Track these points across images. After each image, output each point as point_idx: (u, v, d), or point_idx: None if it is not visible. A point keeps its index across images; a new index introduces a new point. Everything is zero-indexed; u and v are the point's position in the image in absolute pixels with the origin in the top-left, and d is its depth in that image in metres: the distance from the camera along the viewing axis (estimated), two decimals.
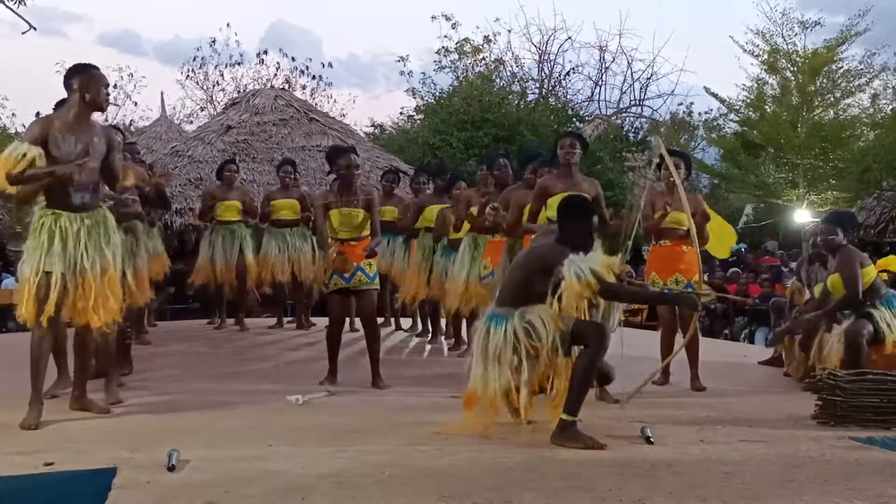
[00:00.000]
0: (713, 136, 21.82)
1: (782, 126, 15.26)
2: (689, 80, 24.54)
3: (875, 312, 5.20)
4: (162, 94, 19.49)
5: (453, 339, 7.17)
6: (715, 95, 17.22)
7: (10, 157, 3.86)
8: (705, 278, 5.32)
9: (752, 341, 10.21)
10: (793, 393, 5.36)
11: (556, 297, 3.70)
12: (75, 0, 44.84)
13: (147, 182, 5.49)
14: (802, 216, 14.99)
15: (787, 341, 6.36)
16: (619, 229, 4.87)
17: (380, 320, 6.42)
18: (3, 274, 12.22)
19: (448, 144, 17.25)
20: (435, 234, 7.07)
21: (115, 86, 23.42)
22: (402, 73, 24.82)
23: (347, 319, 6.40)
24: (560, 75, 24.11)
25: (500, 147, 15.05)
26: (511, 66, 23.65)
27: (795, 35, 15.53)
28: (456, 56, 23.62)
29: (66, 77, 4.06)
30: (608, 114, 23.81)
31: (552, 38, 23.93)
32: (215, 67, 24.55)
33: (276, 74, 23.96)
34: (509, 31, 25.28)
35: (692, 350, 5.46)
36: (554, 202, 4.72)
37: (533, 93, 23.04)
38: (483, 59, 23.72)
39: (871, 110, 16.43)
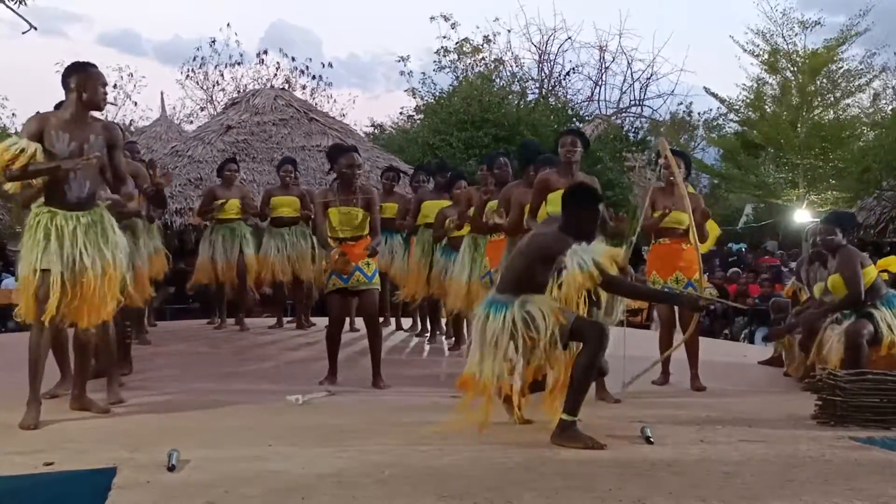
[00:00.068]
0: (713, 136, 21.88)
1: (782, 126, 15.27)
2: (689, 80, 24.65)
3: (875, 312, 5.21)
4: (162, 94, 19.49)
5: (454, 339, 7.17)
6: (715, 95, 17.26)
7: (7, 149, 3.83)
8: (705, 278, 5.31)
9: (752, 341, 10.21)
10: (793, 393, 5.35)
11: (558, 285, 3.67)
12: (75, 0, 44.89)
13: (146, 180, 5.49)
14: (802, 216, 14.99)
15: (786, 341, 6.36)
16: (619, 230, 4.86)
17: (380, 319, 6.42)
18: (3, 274, 12.22)
19: (448, 144, 17.26)
20: (435, 235, 7.06)
21: (115, 86, 23.53)
22: (402, 73, 24.91)
23: (347, 319, 6.40)
24: (560, 75, 24.18)
25: (500, 147, 15.05)
26: (511, 66, 23.71)
27: (795, 35, 15.56)
28: (455, 56, 23.65)
29: (63, 76, 4.05)
30: (608, 114, 23.84)
31: (552, 38, 24.01)
32: (215, 67, 24.63)
33: (276, 74, 24.03)
34: (509, 31, 25.33)
35: (692, 350, 5.46)
36: (554, 198, 4.69)
37: (533, 93, 23.08)
38: (483, 59, 23.74)
39: (871, 110, 16.45)
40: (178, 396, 4.83)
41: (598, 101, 24.59)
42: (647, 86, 24.60)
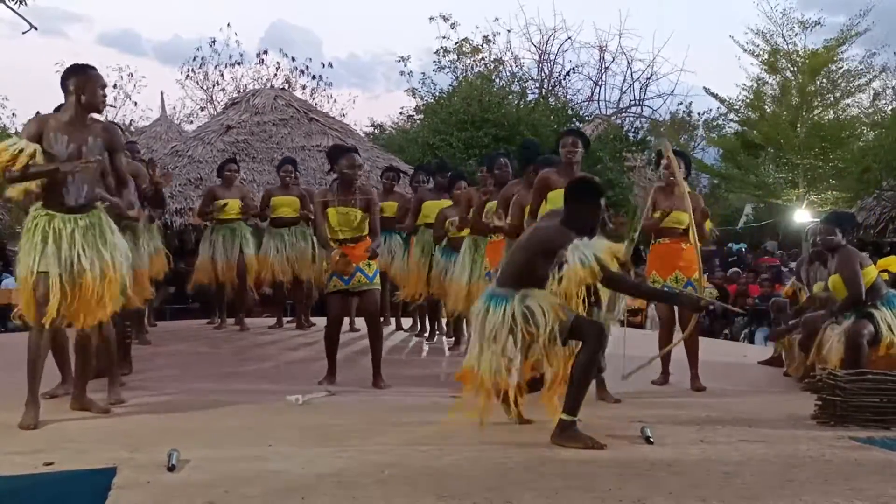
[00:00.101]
0: (713, 136, 21.87)
1: (782, 126, 15.27)
2: (689, 80, 24.66)
3: (876, 313, 5.21)
4: (162, 94, 19.50)
5: (454, 339, 7.17)
6: (715, 95, 17.26)
7: (7, 149, 3.83)
8: (705, 278, 5.31)
9: (752, 341, 10.22)
10: (793, 393, 5.35)
11: (557, 279, 3.66)
12: (75, 0, 44.90)
13: (146, 180, 5.49)
14: (802, 216, 15.00)
15: (786, 341, 6.36)
16: (618, 231, 4.86)
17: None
18: (3, 274, 12.21)
19: (448, 144, 17.25)
20: (435, 235, 7.06)
21: (115, 86, 23.51)
22: (402, 73, 24.92)
23: (347, 319, 6.39)
24: (560, 75, 24.15)
25: (500, 147, 15.04)
26: (511, 66, 23.69)
27: (795, 35, 15.57)
28: (455, 56, 23.64)
29: (62, 78, 4.04)
30: (608, 114, 23.82)
31: (552, 38, 23.97)
32: (215, 67, 24.61)
33: (276, 74, 24.01)
34: (509, 31, 25.30)
35: (692, 350, 5.46)
36: (554, 197, 4.69)
37: (533, 93, 23.05)
38: (482, 59, 23.74)
39: (871, 110, 16.44)
40: (178, 396, 4.84)
41: (598, 101, 24.61)
42: (647, 86, 24.61)
